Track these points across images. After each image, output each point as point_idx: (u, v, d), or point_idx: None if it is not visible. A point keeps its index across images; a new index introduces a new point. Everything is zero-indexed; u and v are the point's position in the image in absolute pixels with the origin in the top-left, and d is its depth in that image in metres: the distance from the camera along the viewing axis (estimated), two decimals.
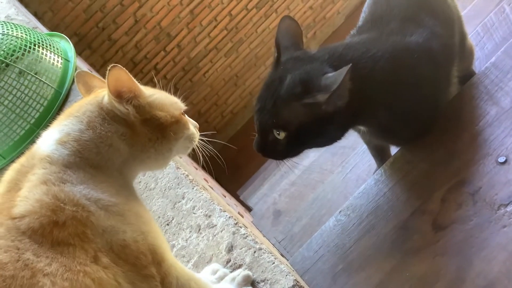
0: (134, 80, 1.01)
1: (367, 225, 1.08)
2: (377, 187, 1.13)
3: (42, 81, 2.04)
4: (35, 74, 2.08)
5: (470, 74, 1.39)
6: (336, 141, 1.09)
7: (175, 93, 3.89)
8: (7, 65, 2.04)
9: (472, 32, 1.67)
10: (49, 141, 0.96)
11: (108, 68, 0.95)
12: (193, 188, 1.51)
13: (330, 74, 0.96)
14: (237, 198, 3.93)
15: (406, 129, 1.15)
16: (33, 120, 2.01)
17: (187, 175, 1.55)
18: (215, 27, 4.59)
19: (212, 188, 2.43)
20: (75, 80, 1.14)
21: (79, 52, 4.06)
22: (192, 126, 1.14)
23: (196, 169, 2.84)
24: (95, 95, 1.05)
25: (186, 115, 1.15)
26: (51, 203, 0.85)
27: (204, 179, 2.62)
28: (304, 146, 1.11)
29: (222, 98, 5.03)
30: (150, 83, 3.69)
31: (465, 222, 0.99)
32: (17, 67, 2.03)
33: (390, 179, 1.12)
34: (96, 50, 4.23)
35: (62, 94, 2.08)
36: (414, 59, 1.06)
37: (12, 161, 1.99)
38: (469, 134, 1.11)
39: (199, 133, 1.16)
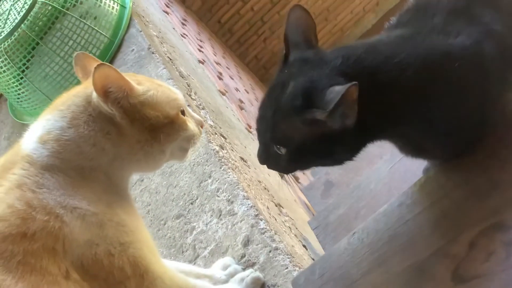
0: (125, 77, 0.91)
1: (380, 257, 0.91)
2: (400, 212, 0.94)
3: (95, 29, 1.99)
4: (94, 18, 2.04)
5: None
6: (347, 162, 0.91)
7: (261, 27, 3.73)
8: (64, 14, 2.00)
9: None
10: (31, 138, 0.91)
11: (95, 66, 0.86)
12: (220, 168, 1.41)
13: (337, 88, 0.78)
14: None
15: (440, 149, 0.94)
16: None
17: (217, 152, 1.44)
18: None
19: None
20: (73, 62, 1.05)
21: None
22: (194, 124, 1.02)
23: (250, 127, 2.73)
24: (85, 86, 0.96)
25: (189, 111, 1.03)
26: (22, 211, 0.80)
27: None
28: (309, 165, 0.95)
29: None
30: (237, 15, 3.57)
31: (492, 278, 0.80)
32: (74, 16, 1.99)
33: (417, 204, 0.93)
34: None
35: (115, 44, 2.02)
36: (455, 68, 0.82)
37: None
38: None
39: (201, 131, 1.04)
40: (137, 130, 0.93)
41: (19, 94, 2.03)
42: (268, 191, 1.59)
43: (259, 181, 1.59)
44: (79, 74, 1.04)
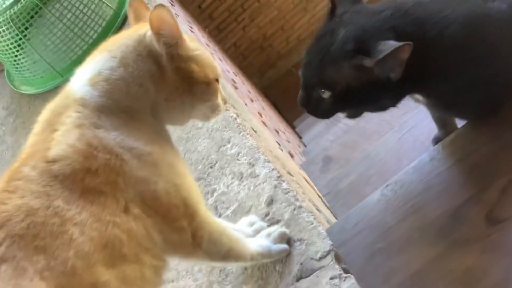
0: (179, 27, 0.95)
1: (415, 205, 1.00)
2: (432, 165, 1.03)
3: (102, 0, 2.00)
4: None
5: None
6: (388, 109, 0.99)
7: (241, 14, 3.76)
8: None
9: None
10: (81, 81, 0.93)
11: (154, 5, 0.90)
12: (239, 133, 1.46)
13: (392, 42, 0.85)
14: (293, 128, 3.88)
15: (472, 105, 1.03)
16: (91, 41, 2.00)
17: (235, 118, 1.49)
18: None
19: (265, 124, 2.39)
20: (127, 4, 1.08)
21: None
22: (221, 98, 1.07)
23: (252, 101, 2.79)
24: (137, 28, 0.99)
25: (220, 86, 1.08)
26: (84, 150, 0.83)
27: (258, 112, 2.57)
28: (350, 109, 1.02)
29: (289, 22, 4.87)
30: (217, 1, 3.57)
31: None
32: None
33: (448, 158, 1.02)
34: None
35: (121, 15, 2.04)
36: (492, 29, 0.91)
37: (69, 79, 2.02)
38: None
39: (225, 109, 1.10)
40: (179, 78, 0.97)
41: (21, 62, 2.02)
42: (278, 159, 1.65)
43: (270, 150, 1.65)
44: (131, 17, 1.08)
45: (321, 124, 2.92)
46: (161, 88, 0.96)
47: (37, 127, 0.91)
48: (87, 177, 0.80)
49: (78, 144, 0.83)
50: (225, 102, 1.10)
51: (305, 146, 3.02)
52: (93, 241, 0.76)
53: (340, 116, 1.07)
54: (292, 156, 2.38)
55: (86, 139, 0.84)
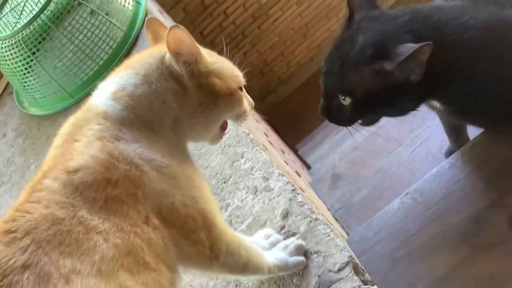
0: (196, 44, 0.96)
1: (436, 212, 1.00)
2: (451, 172, 1.04)
3: (113, 22, 2.03)
4: (106, 14, 2.07)
5: None
6: (408, 113, 1.00)
7: (242, 40, 3.79)
8: (79, 3, 2.04)
9: None
10: (104, 94, 0.94)
11: (169, 27, 0.91)
12: (253, 148, 1.47)
13: (410, 45, 0.87)
14: (295, 152, 3.90)
15: (489, 111, 1.04)
16: (101, 62, 2.02)
17: (248, 134, 1.50)
18: None
19: (271, 144, 2.40)
20: (144, 26, 1.10)
21: None
22: (247, 103, 1.08)
23: (257, 122, 2.81)
24: (159, 48, 1.01)
25: (244, 92, 1.09)
26: (105, 160, 0.84)
27: (264, 133, 2.58)
28: (371, 115, 1.03)
29: (289, 48, 4.92)
30: (219, 28, 3.61)
31: None
32: (89, 6, 2.03)
33: (467, 165, 1.03)
34: None
35: (131, 38, 2.06)
36: (510, 34, 0.94)
37: (79, 100, 2.04)
38: None
39: (251, 112, 1.11)
40: (202, 94, 0.98)
41: (31, 83, 2.03)
42: (290, 175, 1.65)
43: (282, 166, 1.65)
44: (149, 37, 1.09)
45: (325, 146, 2.94)
46: (184, 104, 0.97)
47: (57, 140, 0.92)
48: (108, 187, 0.81)
49: (99, 154, 0.84)
50: (252, 106, 1.10)
51: (308, 169, 3.03)
52: (117, 247, 0.76)
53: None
54: (299, 175, 2.39)
55: (108, 150, 0.85)
